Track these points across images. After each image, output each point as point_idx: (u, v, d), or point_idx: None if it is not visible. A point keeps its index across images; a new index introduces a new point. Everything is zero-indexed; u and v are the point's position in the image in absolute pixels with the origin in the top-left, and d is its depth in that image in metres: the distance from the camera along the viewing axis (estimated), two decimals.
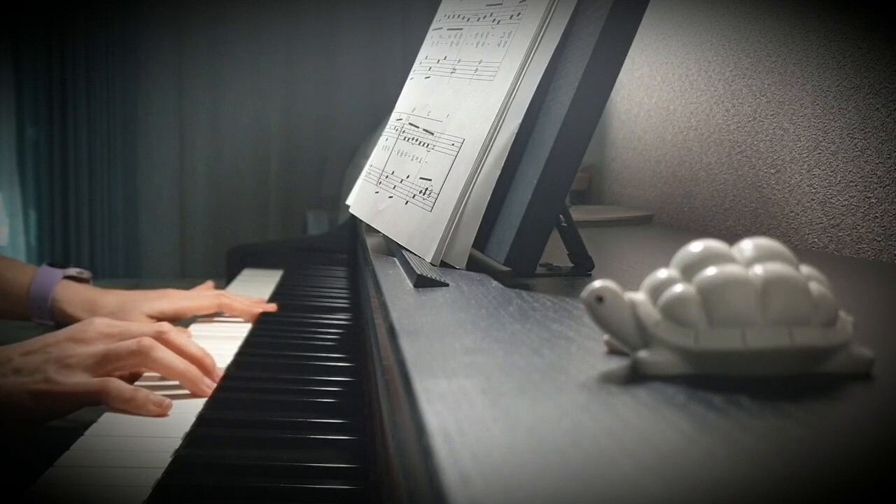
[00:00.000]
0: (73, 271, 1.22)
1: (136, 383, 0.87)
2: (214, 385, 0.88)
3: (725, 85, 1.27)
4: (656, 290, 0.39)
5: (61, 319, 1.16)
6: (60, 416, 0.81)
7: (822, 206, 1.02)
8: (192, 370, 0.87)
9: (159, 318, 1.17)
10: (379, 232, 0.88)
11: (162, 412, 0.81)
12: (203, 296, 1.25)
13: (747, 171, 1.20)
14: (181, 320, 1.20)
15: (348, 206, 1.01)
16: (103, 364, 0.83)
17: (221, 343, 1.08)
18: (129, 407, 0.80)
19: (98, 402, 0.81)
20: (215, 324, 1.24)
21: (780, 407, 0.34)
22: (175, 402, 0.83)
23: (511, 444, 0.29)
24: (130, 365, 0.85)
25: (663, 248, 1.01)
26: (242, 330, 1.16)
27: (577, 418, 0.32)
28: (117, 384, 0.80)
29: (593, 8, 0.69)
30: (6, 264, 1.23)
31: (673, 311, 0.38)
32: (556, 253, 0.73)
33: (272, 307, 1.26)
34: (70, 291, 1.18)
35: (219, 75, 2.58)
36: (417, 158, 0.84)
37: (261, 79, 2.58)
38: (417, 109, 0.90)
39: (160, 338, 0.87)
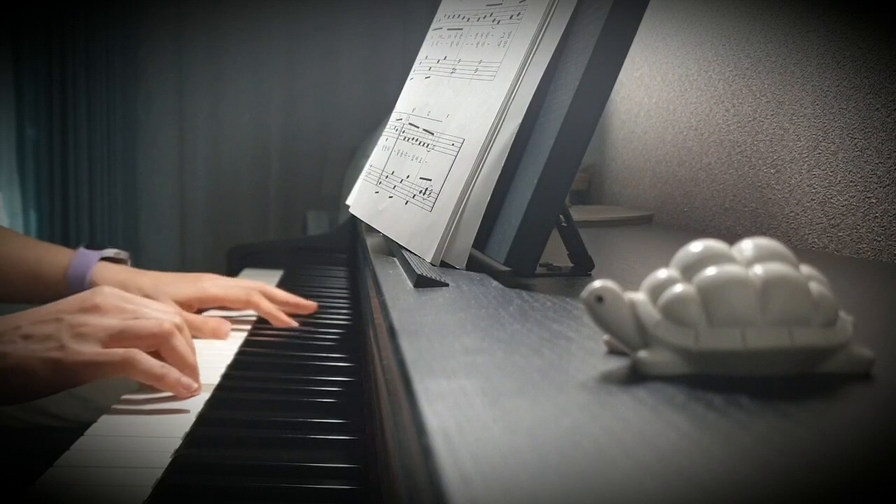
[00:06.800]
0: (109, 252, 1.19)
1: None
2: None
3: (725, 85, 1.27)
4: (656, 290, 0.39)
5: None
6: (73, 385, 0.78)
7: (822, 206, 1.01)
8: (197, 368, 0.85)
9: (186, 304, 1.14)
10: (379, 232, 0.88)
11: (191, 395, 0.80)
12: (238, 286, 1.19)
13: (747, 171, 1.20)
14: (209, 308, 1.18)
15: (348, 206, 1.01)
16: (118, 339, 0.80)
17: (222, 342, 1.08)
18: (157, 383, 0.79)
19: (116, 373, 0.78)
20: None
21: (780, 407, 0.34)
22: (174, 402, 0.83)
23: (511, 444, 0.29)
24: (145, 346, 0.81)
25: (663, 248, 1.01)
26: (243, 329, 1.15)
27: (577, 418, 0.32)
28: (146, 357, 0.78)
29: (593, 8, 0.69)
30: (44, 248, 1.19)
31: (673, 311, 0.38)
32: (556, 253, 0.73)
33: (311, 306, 1.21)
34: (106, 273, 1.15)
35: (219, 75, 2.58)
36: (417, 158, 0.84)
37: (261, 79, 2.58)
38: (417, 109, 0.90)
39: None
